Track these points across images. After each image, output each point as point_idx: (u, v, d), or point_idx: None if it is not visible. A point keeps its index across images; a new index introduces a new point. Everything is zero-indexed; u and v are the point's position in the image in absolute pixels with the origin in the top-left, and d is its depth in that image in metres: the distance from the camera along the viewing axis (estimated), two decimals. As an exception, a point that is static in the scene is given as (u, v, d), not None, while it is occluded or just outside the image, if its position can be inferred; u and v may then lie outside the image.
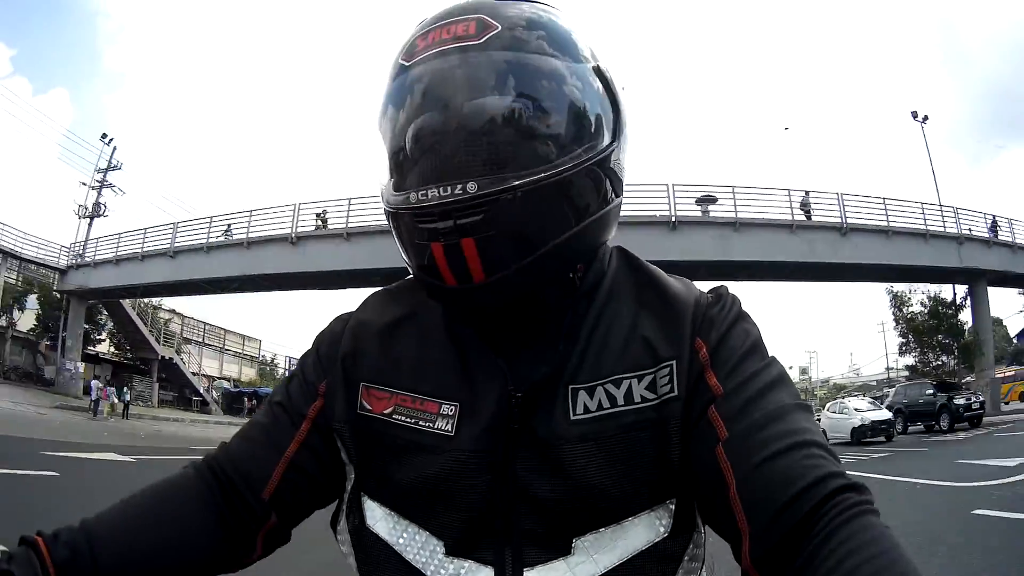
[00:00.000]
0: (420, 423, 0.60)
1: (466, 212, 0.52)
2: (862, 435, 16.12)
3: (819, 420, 13.76)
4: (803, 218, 19.68)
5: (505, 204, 0.52)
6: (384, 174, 0.61)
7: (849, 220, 19.65)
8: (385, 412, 0.62)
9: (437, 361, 0.62)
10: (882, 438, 15.92)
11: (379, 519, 0.62)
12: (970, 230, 20.85)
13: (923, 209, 20.55)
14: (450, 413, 0.59)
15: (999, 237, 21.25)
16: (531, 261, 0.55)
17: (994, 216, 21.54)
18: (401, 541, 0.60)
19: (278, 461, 0.63)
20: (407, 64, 0.57)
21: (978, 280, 21.01)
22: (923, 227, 20.15)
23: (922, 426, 17.22)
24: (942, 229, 20.35)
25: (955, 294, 22.28)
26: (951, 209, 20.89)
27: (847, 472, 0.51)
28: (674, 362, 0.58)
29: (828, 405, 20.93)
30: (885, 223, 19.85)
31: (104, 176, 27.51)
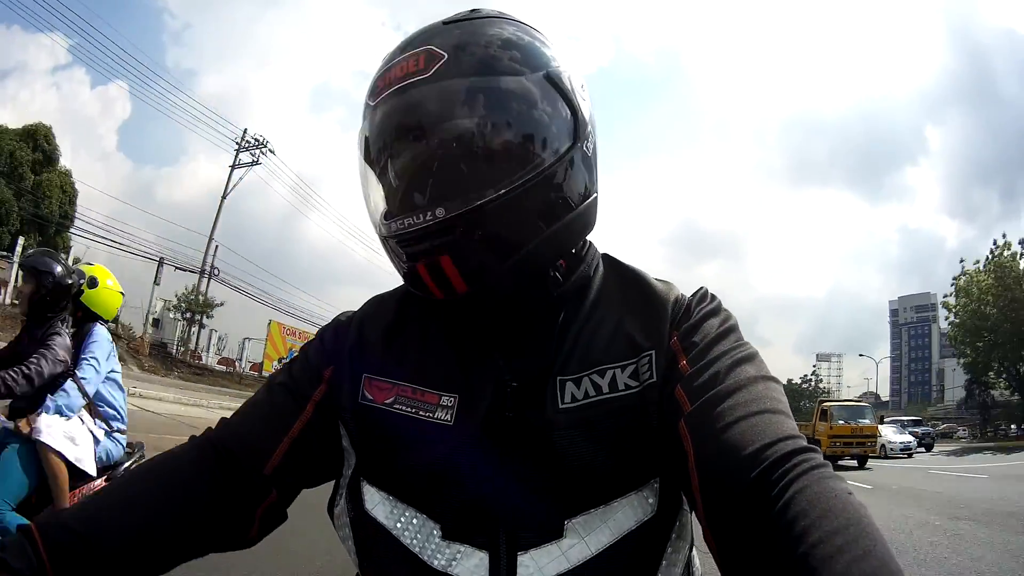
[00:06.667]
0: (420, 413, 0.63)
1: (439, 234, 0.58)
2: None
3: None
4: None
5: (473, 222, 0.57)
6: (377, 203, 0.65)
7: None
8: (387, 402, 0.65)
9: (437, 357, 0.66)
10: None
11: (377, 503, 0.64)
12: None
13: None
14: (449, 404, 0.63)
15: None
16: (507, 267, 0.60)
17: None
18: (399, 525, 0.62)
19: (282, 439, 0.65)
20: (372, 104, 0.61)
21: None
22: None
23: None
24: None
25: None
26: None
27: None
28: (653, 352, 0.62)
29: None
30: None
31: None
